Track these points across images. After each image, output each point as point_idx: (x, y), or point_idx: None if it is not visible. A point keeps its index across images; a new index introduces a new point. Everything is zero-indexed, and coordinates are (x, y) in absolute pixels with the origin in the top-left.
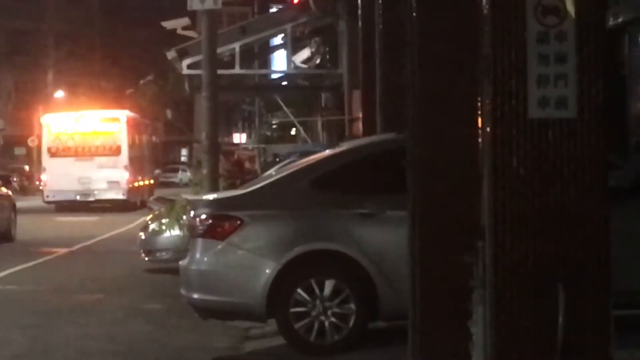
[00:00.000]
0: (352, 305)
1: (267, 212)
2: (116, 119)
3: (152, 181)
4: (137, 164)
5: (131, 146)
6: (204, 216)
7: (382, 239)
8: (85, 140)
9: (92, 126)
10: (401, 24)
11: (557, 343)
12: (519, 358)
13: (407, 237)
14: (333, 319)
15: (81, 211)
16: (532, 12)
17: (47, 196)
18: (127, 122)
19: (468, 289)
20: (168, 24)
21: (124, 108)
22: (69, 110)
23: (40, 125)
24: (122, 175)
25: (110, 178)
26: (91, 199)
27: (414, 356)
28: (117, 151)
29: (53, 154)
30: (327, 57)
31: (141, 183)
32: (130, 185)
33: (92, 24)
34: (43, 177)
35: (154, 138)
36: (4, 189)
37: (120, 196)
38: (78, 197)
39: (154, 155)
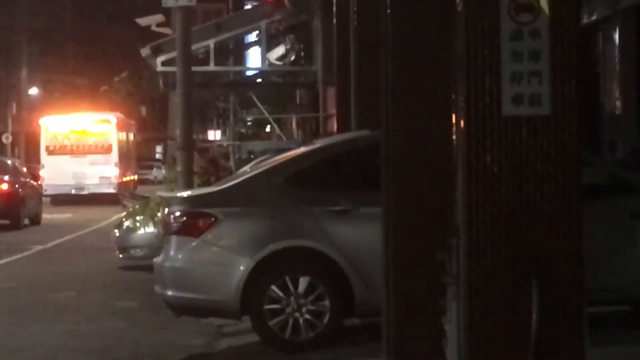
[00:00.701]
0: (327, 302)
1: (241, 209)
2: (107, 121)
3: (136, 177)
4: (125, 161)
5: (120, 145)
6: (178, 213)
7: (356, 236)
8: (79, 140)
9: (85, 127)
10: (375, 21)
11: (530, 340)
12: (492, 355)
13: (381, 234)
14: (307, 316)
15: (70, 205)
16: (505, 10)
17: (45, 190)
18: (117, 123)
19: (442, 285)
20: (142, 21)
21: (98, 105)
22: (44, 107)
23: (14, 122)
24: (113, 171)
25: (102, 174)
26: (85, 192)
27: (388, 353)
28: (108, 149)
29: (50, 152)
30: (302, 54)
31: (128, 178)
32: (120, 180)
33: (66, 20)
34: (41, 172)
35: (137, 137)
36: (32, 181)
37: (111, 190)
38: (73, 191)
39: (137, 153)
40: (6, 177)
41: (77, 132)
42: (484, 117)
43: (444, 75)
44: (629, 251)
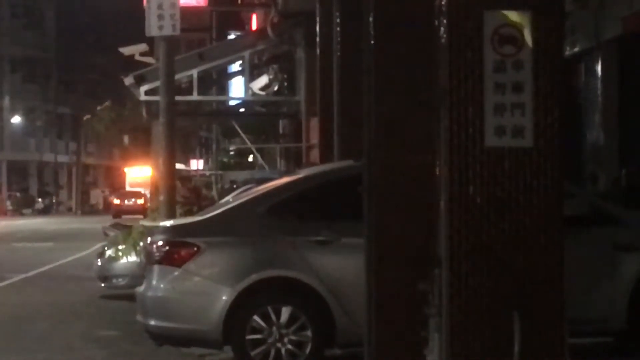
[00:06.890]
0: (309, 333)
1: (224, 239)
2: (150, 170)
3: None
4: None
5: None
6: (160, 243)
7: (338, 266)
8: (142, 179)
9: (143, 174)
10: (359, 52)
11: None
12: None
13: (363, 264)
14: (289, 346)
15: (53, 235)
16: (488, 41)
17: None
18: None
19: (424, 316)
20: (126, 50)
21: (80, 134)
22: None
23: None
24: None
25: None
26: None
27: None
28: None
29: (132, 185)
30: (285, 84)
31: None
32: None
33: (49, 49)
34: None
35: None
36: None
37: None
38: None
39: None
40: (142, 198)
41: (140, 176)
42: (467, 148)
43: (427, 106)
44: (611, 282)
